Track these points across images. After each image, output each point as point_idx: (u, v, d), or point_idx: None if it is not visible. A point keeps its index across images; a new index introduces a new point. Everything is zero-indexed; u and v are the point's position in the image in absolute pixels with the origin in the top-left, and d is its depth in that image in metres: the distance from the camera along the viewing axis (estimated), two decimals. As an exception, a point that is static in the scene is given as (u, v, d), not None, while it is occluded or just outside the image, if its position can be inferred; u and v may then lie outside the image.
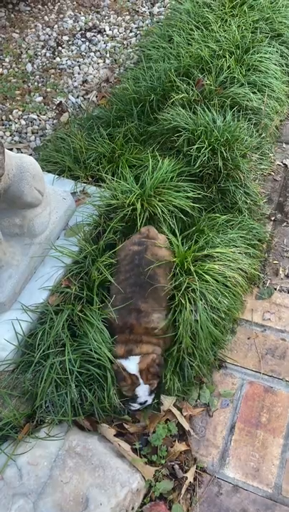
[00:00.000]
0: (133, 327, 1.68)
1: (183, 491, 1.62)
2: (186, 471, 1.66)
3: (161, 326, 1.70)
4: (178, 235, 1.93)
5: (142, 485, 1.58)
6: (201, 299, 1.75)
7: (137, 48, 3.32)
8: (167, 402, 1.75)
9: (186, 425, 1.72)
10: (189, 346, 1.75)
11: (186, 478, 1.64)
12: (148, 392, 1.66)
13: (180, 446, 1.70)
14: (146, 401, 1.68)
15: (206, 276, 1.80)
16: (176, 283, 1.78)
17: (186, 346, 1.74)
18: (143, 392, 1.66)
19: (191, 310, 1.75)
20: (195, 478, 1.66)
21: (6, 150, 1.55)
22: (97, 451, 1.60)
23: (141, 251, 1.80)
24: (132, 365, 1.65)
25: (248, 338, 1.98)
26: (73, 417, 1.64)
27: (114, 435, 1.67)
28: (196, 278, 1.78)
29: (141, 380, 1.64)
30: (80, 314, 1.74)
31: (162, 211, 1.94)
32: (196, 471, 1.67)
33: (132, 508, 1.54)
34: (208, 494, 1.64)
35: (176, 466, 1.66)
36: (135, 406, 1.68)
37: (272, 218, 2.39)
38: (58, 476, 1.50)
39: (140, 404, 1.68)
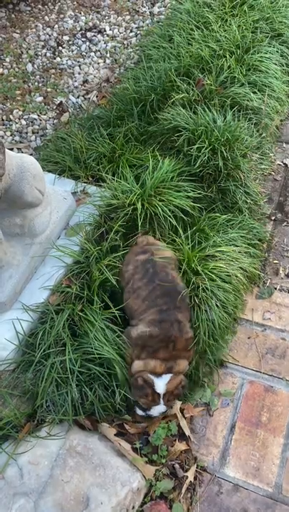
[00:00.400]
0: (176, 340, 1.63)
1: (183, 490, 1.62)
2: (186, 471, 1.66)
3: (191, 335, 1.69)
4: (182, 234, 1.93)
5: (143, 484, 1.58)
6: (212, 298, 1.75)
7: (137, 48, 3.32)
8: (175, 406, 1.74)
9: (186, 430, 1.72)
10: (206, 347, 1.75)
11: (187, 477, 1.64)
12: (162, 412, 1.66)
13: (180, 446, 1.70)
14: (155, 416, 1.68)
15: (212, 275, 1.80)
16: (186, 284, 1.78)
17: (203, 348, 1.74)
18: (158, 411, 1.65)
19: (205, 310, 1.75)
20: (195, 478, 1.66)
21: (6, 150, 1.55)
22: (97, 450, 1.60)
23: (149, 259, 1.76)
24: (162, 384, 1.62)
25: (249, 338, 1.99)
26: (74, 417, 1.64)
27: (115, 434, 1.67)
28: (205, 278, 1.79)
29: (162, 401, 1.63)
30: (80, 314, 1.74)
31: (163, 211, 1.94)
32: (196, 471, 1.67)
33: (133, 507, 1.54)
34: (208, 493, 1.64)
35: (177, 466, 1.66)
36: (142, 413, 1.68)
37: (273, 218, 2.39)
38: (58, 475, 1.50)
39: (148, 415, 1.68)
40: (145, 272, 1.74)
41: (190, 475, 1.65)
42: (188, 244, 1.92)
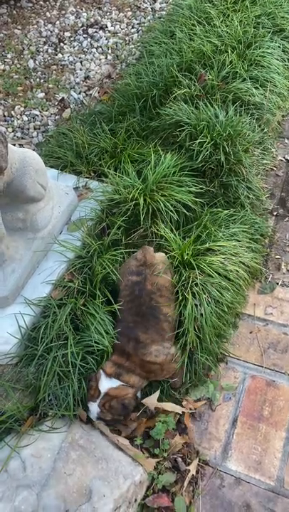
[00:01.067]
0: (130, 356, 1.66)
1: (185, 484, 1.62)
2: (188, 464, 1.66)
3: (160, 360, 1.67)
4: (176, 228, 1.93)
5: (145, 477, 1.59)
6: (204, 292, 1.75)
7: (138, 44, 3.32)
8: (150, 401, 1.72)
9: (187, 422, 1.72)
10: (194, 340, 1.75)
11: (189, 470, 1.64)
12: (96, 415, 1.63)
13: (180, 439, 1.70)
14: (94, 417, 1.65)
15: (208, 269, 1.80)
16: (178, 277, 1.78)
17: (190, 341, 1.74)
18: (92, 409, 1.63)
19: (195, 304, 1.75)
20: (197, 471, 1.66)
21: (9, 144, 1.55)
22: (100, 443, 1.61)
23: (140, 282, 1.73)
24: (106, 384, 1.62)
25: (250, 333, 1.99)
26: (74, 412, 1.64)
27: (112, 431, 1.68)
28: (198, 271, 1.79)
29: (98, 401, 1.61)
30: (82, 308, 1.75)
31: (165, 206, 1.94)
32: (198, 464, 1.68)
33: (135, 500, 1.55)
34: (210, 487, 1.64)
35: (179, 459, 1.67)
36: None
37: (275, 213, 2.39)
38: (61, 468, 1.51)
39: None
40: (132, 291, 1.73)
41: (192, 468, 1.65)
42: (180, 235, 1.91)
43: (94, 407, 1.62)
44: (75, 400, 1.64)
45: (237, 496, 1.62)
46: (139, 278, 1.74)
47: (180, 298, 1.76)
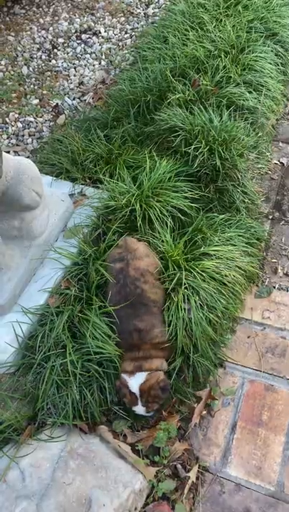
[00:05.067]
0: (139, 346, 1.68)
1: (186, 491, 1.62)
2: (188, 471, 1.66)
3: (166, 339, 1.71)
4: (169, 232, 1.93)
5: (145, 485, 1.58)
6: (193, 296, 1.75)
7: (132, 49, 3.32)
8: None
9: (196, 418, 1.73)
10: (187, 344, 1.75)
11: (189, 477, 1.64)
12: (145, 412, 1.66)
13: (180, 446, 1.70)
14: (144, 416, 1.69)
15: (202, 274, 1.80)
16: (169, 279, 1.78)
17: (181, 345, 1.73)
18: (140, 411, 1.66)
19: (184, 308, 1.75)
20: (197, 478, 1.66)
21: (3, 152, 1.55)
22: (99, 452, 1.60)
23: (123, 268, 1.76)
24: (135, 383, 1.64)
25: (248, 337, 1.99)
26: (73, 422, 1.63)
27: (114, 437, 1.67)
28: (190, 275, 1.79)
29: (139, 402, 1.64)
30: (79, 315, 1.74)
31: (160, 212, 1.94)
32: (198, 471, 1.67)
33: (135, 509, 1.54)
34: (210, 493, 1.64)
35: (179, 466, 1.66)
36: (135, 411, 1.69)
37: (270, 217, 2.40)
38: (60, 477, 1.50)
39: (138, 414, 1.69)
40: (117, 281, 1.76)
41: (192, 475, 1.64)
42: (176, 240, 1.91)
43: (140, 409, 1.64)
44: (74, 408, 1.63)
45: (237, 502, 1.62)
46: (122, 264, 1.77)
47: (169, 300, 1.77)
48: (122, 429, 1.70)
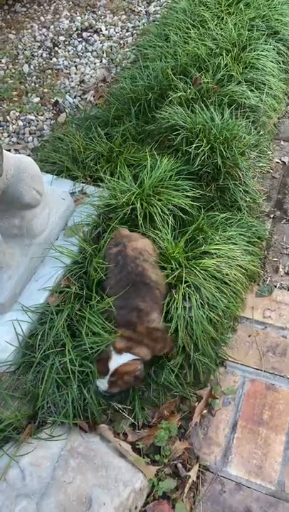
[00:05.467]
0: (136, 325, 1.68)
1: (186, 490, 1.61)
2: (189, 470, 1.65)
3: (162, 327, 1.70)
4: (170, 231, 1.92)
5: (145, 484, 1.58)
6: (194, 294, 1.75)
7: (133, 48, 3.31)
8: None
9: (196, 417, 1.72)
10: (188, 343, 1.74)
11: (189, 476, 1.63)
12: (104, 389, 1.65)
13: (181, 445, 1.69)
14: (100, 392, 1.68)
15: (203, 272, 1.80)
16: (170, 278, 1.78)
17: (182, 343, 1.73)
18: (101, 385, 1.65)
19: (185, 307, 1.74)
20: (198, 477, 1.65)
21: (4, 151, 1.54)
22: (99, 451, 1.59)
23: (120, 250, 1.78)
24: (116, 362, 1.63)
25: (249, 336, 1.98)
26: (74, 421, 1.63)
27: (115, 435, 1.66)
28: (191, 273, 1.78)
29: (107, 378, 1.63)
30: (79, 313, 1.74)
31: (161, 210, 1.94)
32: (198, 470, 1.67)
33: (136, 508, 1.54)
34: (211, 492, 1.63)
35: (179, 465, 1.66)
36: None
37: (272, 216, 2.39)
38: (60, 476, 1.49)
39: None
40: (116, 263, 1.77)
41: (192, 474, 1.64)
42: (177, 239, 1.90)
43: (103, 384, 1.64)
44: (74, 407, 1.63)
45: (238, 501, 1.61)
46: (118, 247, 1.79)
47: (169, 298, 1.76)
48: (122, 428, 1.69)
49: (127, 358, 1.65)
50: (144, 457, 1.63)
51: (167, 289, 1.81)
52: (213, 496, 1.63)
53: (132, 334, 1.68)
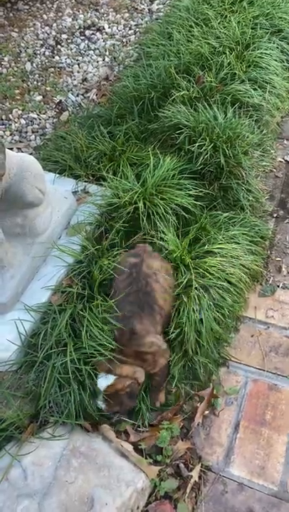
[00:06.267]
0: (124, 347, 1.65)
1: (188, 490, 1.61)
2: (191, 470, 1.65)
3: (153, 350, 1.68)
4: (173, 230, 1.92)
5: (147, 484, 1.57)
6: (204, 296, 1.74)
7: (136, 46, 3.30)
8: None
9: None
10: (193, 344, 1.74)
11: (191, 476, 1.63)
12: (103, 409, 1.66)
13: (183, 445, 1.69)
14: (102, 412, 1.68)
15: (207, 271, 1.79)
16: (179, 281, 1.77)
17: (190, 345, 1.73)
18: (100, 405, 1.65)
19: (194, 309, 1.73)
20: (200, 477, 1.65)
21: (6, 149, 1.54)
22: (101, 450, 1.59)
23: (137, 263, 1.75)
24: (103, 383, 1.62)
25: (252, 336, 1.98)
26: (76, 421, 1.62)
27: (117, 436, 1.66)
28: (198, 274, 1.78)
29: (101, 398, 1.63)
30: (81, 313, 1.73)
31: (164, 210, 1.93)
32: (201, 470, 1.66)
33: (137, 508, 1.53)
34: (213, 493, 1.63)
35: (181, 465, 1.65)
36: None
37: (275, 215, 2.38)
38: (62, 476, 1.49)
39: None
40: (129, 274, 1.74)
41: (194, 474, 1.64)
42: (180, 238, 1.89)
43: (100, 405, 1.64)
44: (76, 407, 1.62)
45: (240, 501, 1.61)
46: (136, 259, 1.77)
47: (178, 301, 1.75)
48: (124, 428, 1.69)
49: (111, 378, 1.63)
50: (146, 457, 1.63)
51: (170, 314, 1.78)
52: (215, 496, 1.62)
53: (118, 354, 1.65)
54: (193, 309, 1.73)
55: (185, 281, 1.77)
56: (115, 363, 1.64)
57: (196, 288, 1.77)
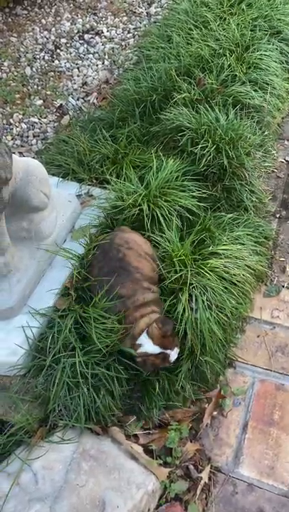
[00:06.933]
0: (125, 313, 1.67)
1: (198, 492, 1.61)
2: (200, 471, 1.65)
3: (152, 298, 1.71)
4: (176, 231, 1.92)
5: (158, 486, 1.57)
6: (201, 296, 1.74)
7: (135, 49, 3.32)
8: None
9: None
10: (196, 344, 1.74)
11: (201, 478, 1.63)
12: (176, 353, 1.68)
13: (192, 446, 1.69)
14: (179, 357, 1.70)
15: (210, 273, 1.79)
16: (174, 277, 1.78)
17: (191, 344, 1.72)
18: (173, 354, 1.67)
19: (191, 308, 1.74)
20: (210, 478, 1.65)
21: (12, 154, 1.54)
22: (111, 453, 1.59)
23: (110, 239, 1.79)
24: (147, 342, 1.64)
25: (258, 336, 1.98)
26: (85, 424, 1.62)
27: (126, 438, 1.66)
28: (197, 274, 1.78)
29: (167, 350, 1.65)
30: (84, 315, 1.73)
31: (168, 211, 1.94)
32: (210, 471, 1.66)
33: (148, 510, 1.54)
34: (223, 494, 1.63)
35: (191, 467, 1.65)
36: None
37: (277, 216, 2.39)
38: (73, 479, 1.49)
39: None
40: (101, 251, 1.78)
41: (204, 476, 1.64)
42: (184, 240, 1.90)
43: (172, 353, 1.66)
44: (85, 410, 1.62)
45: (250, 502, 1.61)
46: (109, 237, 1.80)
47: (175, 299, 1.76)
48: (133, 430, 1.69)
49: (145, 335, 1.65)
50: (156, 459, 1.63)
51: (156, 279, 1.79)
52: (226, 497, 1.63)
53: (126, 321, 1.67)
54: (191, 308, 1.73)
55: (181, 278, 1.78)
56: (131, 330, 1.66)
57: (193, 287, 1.77)
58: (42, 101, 3.04)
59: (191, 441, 1.71)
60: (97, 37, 3.50)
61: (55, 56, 3.37)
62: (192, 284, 1.77)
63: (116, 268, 1.71)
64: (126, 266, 1.71)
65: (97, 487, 1.49)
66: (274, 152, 2.60)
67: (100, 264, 1.75)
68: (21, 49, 3.41)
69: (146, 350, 1.65)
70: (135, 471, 1.56)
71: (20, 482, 1.49)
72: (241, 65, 2.57)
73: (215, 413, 1.79)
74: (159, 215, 1.94)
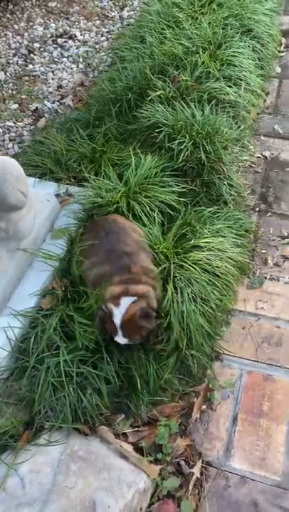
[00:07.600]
0: (130, 267, 1.62)
1: (190, 487, 1.58)
2: (192, 467, 1.62)
3: (154, 268, 1.68)
4: (158, 226, 1.91)
5: (149, 484, 1.54)
6: (186, 288, 1.73)
7: (109, 51, 3.32)
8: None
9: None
10: (181, 337, 1.72)
11: (193, 473, 1.60)
12: (128, 342, 1.61)
13: (182, 441, 1.67)
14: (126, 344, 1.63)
15: (193, 266, 1.78)
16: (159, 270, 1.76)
17: (178, 337, 1.71)
18: (121, 341, 1.60)
19: (177, 301, 1.72)
20: (202, 473, 1.62)
21: (-14, 151, 1.51)
22: (100, 453, 1.55)
23: (105, 223, 1.79)
24: (119, 313, 1.56)
25: (243, 328, 1.97)
26: (72, 424, 1.59)
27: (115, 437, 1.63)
28: (179, 267, 1.78)
29: (120, 332, 1.57)
30: (68, 314, 1.70)
31: (149, 207, 1.93)
32: (202, 466, 1.64)
33: (141, 509, 1.50)
34: (216, 488, 1.61)
35: (182, 462, 1.63)
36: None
37: (257, 209, 2.40)
38: (62, 481, 1.45)
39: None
40: (96, 233, 1.76)
41: (196, 471, 1.61)
42: (169, 235, 1.90)
43: (121, 340, 1.59)
44: (72, 410, 1.58)
45: (243, 494, 1.59)
46: (103, 223, 1.82)
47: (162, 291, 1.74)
48: (122, 429, 1.65)
49: (125, 304, 1.56)
50: (146, 456, 1.60)
51: (153, 259, 1.77)
52: (218, 491, 1.60)
53: (127, 275, 1.60)
54: (176, 301, 1.72)
55: (164, 271, 1.76)
56: (129, 282, 1.60)
57: (179, 279, 1.75)
58: (17, 105, 3.01)
59: (181, 437, 1.69)
60: (70, 41, 3.50)
61: (29, 60, 3.35)
62: (176, 276, 1.75)
63: (110, 231, 1.71)
64: (119, 226, 1.73)
65: (86, 488, 1.45)
66: (251, 147, 2.62)
67: (90, 238, 1.74)
68: (-6, 54, 3.38)
69: (113, 317, 1.57)
70: (125, 470, 1.53)
71: (6, 487, 1.44)
72: (215, 62, 2.59)
73: (204, 407, 1.77)
74: (140, 211, 1.93)
